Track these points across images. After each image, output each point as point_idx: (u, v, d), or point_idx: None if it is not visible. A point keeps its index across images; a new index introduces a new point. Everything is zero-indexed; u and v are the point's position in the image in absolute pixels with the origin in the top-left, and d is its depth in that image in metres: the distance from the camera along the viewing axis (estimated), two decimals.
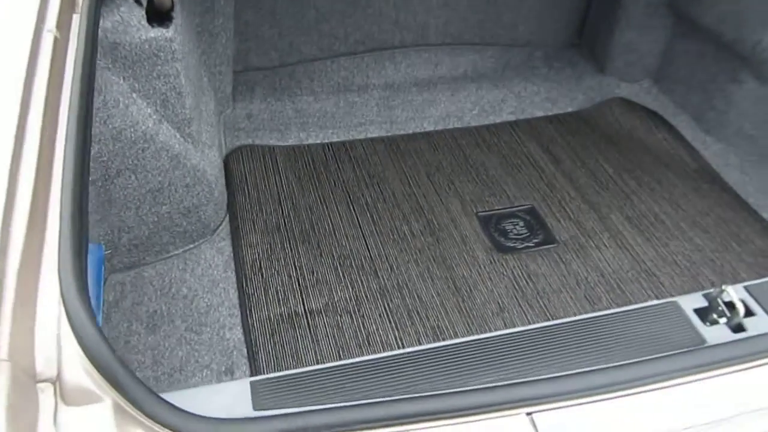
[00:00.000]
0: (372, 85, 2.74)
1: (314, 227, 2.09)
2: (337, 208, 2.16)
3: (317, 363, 1.71)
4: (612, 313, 1.34)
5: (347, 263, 1.98)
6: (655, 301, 1.30)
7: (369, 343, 1.78)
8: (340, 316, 1.84)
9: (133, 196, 1.78)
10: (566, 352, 1.22)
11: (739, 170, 2.46)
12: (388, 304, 1.88)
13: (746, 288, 1.34)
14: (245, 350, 1.75)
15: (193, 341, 1.76)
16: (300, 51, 2.72)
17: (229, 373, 1.70)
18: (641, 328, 1.25)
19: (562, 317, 1.88)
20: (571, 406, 1.05)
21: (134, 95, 1.68)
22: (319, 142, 2.42)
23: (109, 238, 1.82)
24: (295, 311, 1.84)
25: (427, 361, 1.22)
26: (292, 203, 2.16)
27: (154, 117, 1.74)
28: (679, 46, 2.71)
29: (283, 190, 2.20)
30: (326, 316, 1.83)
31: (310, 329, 1.80)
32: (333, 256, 2.00)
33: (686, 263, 2.09)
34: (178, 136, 1.81)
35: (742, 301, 1.29)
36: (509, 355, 1.22)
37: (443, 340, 1.80)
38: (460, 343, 1.29)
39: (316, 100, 2.63)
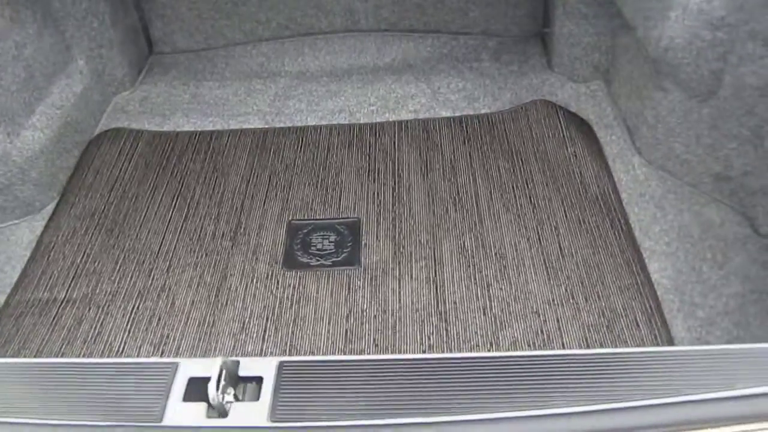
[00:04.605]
0: (284, 72, 2.61)
1: (126, 218, 2.07)
2: (161, 199, 2.12)
3: (37, 354, 1.73)
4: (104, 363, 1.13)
5: (130, 257, 1.95)
6: (157, 359, 1.08)
7: (94, 342, 1.74)
8: (89, 309, 1.82)
9: None
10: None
11: (655, 204, 1.92)
12: (138, 305, 1.82)
13: (282, 364, 1.04)
14: None
15: None
16: (223, 35, 2.67)
17: None
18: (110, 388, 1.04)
19: (299, 353, 1.67)
20: None
21: None
22: (192, 130, 2.38)
23: None
24: (55, 297, 1.86)
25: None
26: (123, 191, 2.16)
27: None
28: (622, 41, 2.17)
29: (122, 177, 2.20)
30: (76, 307, 1.83)
31: (54, 318, 1.81)
32: (123, 248, 1.98)
33: (498, 312, 1.72)
34: None
35: (253, 382, 1.01)
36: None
37: (162, 353, 1.71)
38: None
39: (219, 87, 2.58)
